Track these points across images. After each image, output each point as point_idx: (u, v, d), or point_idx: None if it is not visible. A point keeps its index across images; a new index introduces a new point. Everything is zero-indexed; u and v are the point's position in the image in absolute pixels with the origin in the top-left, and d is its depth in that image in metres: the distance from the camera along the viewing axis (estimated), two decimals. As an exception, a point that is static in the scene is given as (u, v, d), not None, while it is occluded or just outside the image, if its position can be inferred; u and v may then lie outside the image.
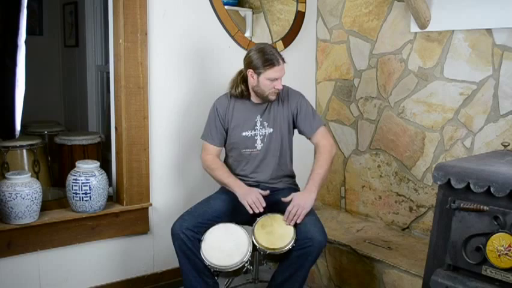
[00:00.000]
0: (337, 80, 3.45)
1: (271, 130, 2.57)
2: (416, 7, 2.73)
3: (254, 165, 2.60)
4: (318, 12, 3.53)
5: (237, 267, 2.33)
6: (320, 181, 2.45)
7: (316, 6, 3.53)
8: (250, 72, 2.48)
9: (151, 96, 2.86)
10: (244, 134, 2.58)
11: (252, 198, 2.42)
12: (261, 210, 2.42)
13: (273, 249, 2.34)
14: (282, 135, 2.60)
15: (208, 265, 2.33)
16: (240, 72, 2.60)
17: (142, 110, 2.81)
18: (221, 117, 2.60)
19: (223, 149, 2.69)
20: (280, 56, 2.48)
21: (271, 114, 2.58)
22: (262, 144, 2.58)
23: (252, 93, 2.57)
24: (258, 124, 2.58)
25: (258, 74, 2.46)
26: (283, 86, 2.61)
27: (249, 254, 2.34)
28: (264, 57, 2.43)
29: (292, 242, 2.32)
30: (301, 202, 2.37)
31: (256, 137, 2.58)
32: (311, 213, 2.46)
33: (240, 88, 2.56)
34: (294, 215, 2.35)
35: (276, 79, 2.45)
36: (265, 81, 2.45)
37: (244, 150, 2.59)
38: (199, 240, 2.38)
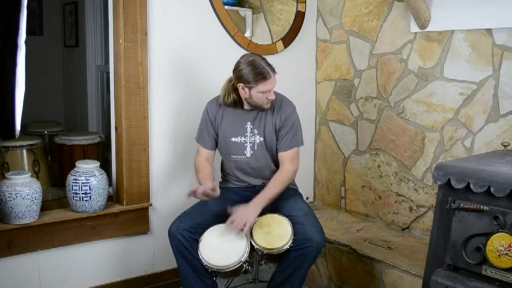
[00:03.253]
0: (337, 80, 3.45)
1: (262, 139, 2.55)
2: (416, 7, 2.73)
3: (245, 172, 2.60)
4: (318, 12, 3.53)
5: (234, 267, 2.33)
6: (269, 200, 2.44)
7: (317, 6, 3.53)
8: (241, 86, 2.43)
9: (151, 96, 2.86)
10: (233, 139, 2.56)
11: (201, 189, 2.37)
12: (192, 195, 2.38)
13: (271, 249, 2.34)
14: (271, 144, 2.57)
15: (206, 265, 2.34)
16: (230, 80, 2.54)
17: (142, 110, 2.81)
18: (212, 121, 2.59)
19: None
20: (271, 67, 2.44)
21: (262, 122, 2.55)
22: (251, 152, 2.55)
23: (245, 102, 2.54)
24: (249, 131, 2.55)
25: (250, 88, 2.42)
26: (279, 94, 2.59)
27: (246, 254, 2.34)
28: (254, 72, 2.39)
29: (290, 242, 2.32)
30: (243, 214, 2.36)
31: (246, 144, 2.56)
32: (309, 213, 2.46)
33: (232, 97, 2.52)
34: (236, 225, 2.34)
35: (269, 91, 2.44)
36: (257, 94, 2.42)
37: (232, 156, 2.58)
38: (197, 241, 2.38)
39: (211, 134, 2.60)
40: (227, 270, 2.33)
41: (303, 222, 2.37)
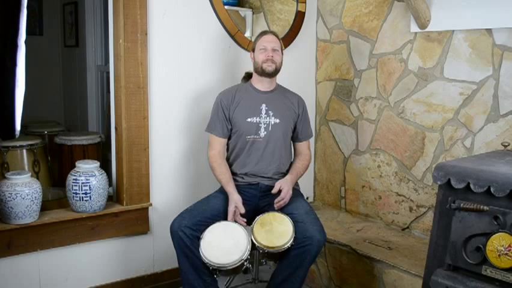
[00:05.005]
0: (337, 80, 3.45)
1: (278, 121, 2.64)
2: (416, 7, 2.73)
3: (257, 155, 2.63)
4: (318, 12, 3.53)
5: (235, 265, 2.33)
6: (297, 178, 2.69)
7: (316, 6, 3.53)
8: (251, 54, 2.69)
9: (151, 96, 2.86)
10: (248, 119, 2.62)
11: (231, 207, 2.51)
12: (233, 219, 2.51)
13: (272, 247, 2.34)
14: (286, 127, 2.67)
15: (207, 263, 2.34)
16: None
17: (142, 110, 2.81)
18: (225, 107, 2.65)
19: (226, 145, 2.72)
20: (274, 32, 2.71)
21: (277, 104, 2.66)
22: (265, 133, 2.62)
23: (254, 78, 2.69)
24: (263, 112, 2.63)
25: (254, 50, 2.66)
26: (282, 86, 2.75)
27: (247, 252, 2.34)
28: (259, 33, 2.70)
29: (291, 240, 2.33)
30: (288, 190, 2.54)
31: (260, 125, 2.62)
32: (310, 212, 2.48)
33: (246, 75, 2.83)
34: (282, 200, 2.52)
35: (265, 49, 2.59)
36: (257, 53, 2.62)
37: (248, 136, 2.63)
38: (198, 238, 2.38)
39: (223, 120, 2.65)
40: (228, 268, 2.34)
41: (304, 220, 2.39)
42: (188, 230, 2.37)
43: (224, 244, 2.36)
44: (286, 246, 2.33)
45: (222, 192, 2.62)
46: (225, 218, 2.49)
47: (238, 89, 2.71)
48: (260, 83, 2.67)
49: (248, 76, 2.79)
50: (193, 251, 2.37)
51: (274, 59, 2.59)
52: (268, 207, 2.53)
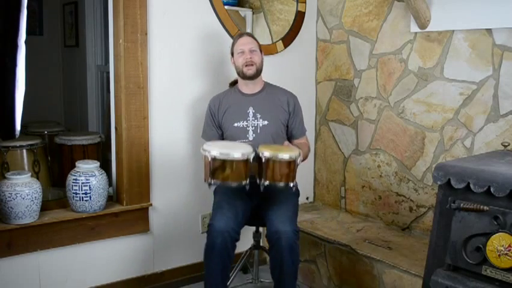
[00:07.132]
0: (337, 80, 3.45)
1: (266, 122, 2.63)
2: (416, 7, 2.73)
3: None
4: (318, 12, 3.53)
5: (239, 159, 2.25)
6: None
7: (316, 6, 3.53)
8: (231, 59, 2.69)
9: (151, 96, 2.86)
10: (235, 124, 2.63)
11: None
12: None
13: (277, 156, 2.28)
14: (277, 127, 2.65)
15: (212, 156, 2.24)
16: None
17: (142, 110, 2.81)
18: (213, 113, 2.69)
19: None
20: (249, 33, 2.78)
21: (265, 106, 2.65)
22: (254, 135, 2.62)
23: (239, 82, 2.70)
24: (251, 115, 2.64)
25: (232, 54, 2.67)
26: (271, 84, 2.76)
27: (252, 154, 2.30)
28: (235, 37, 2.72)
29: (300, 156, 2.35)
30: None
31: (248, 128, 2.63)
32: (285, 208, 2.45)
33: (233, 81, 2.83)
34: None
35: (243, 52, 2.60)
36: (236, 57, 2.63)
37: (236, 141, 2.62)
38: (237, 241, 2.39)
39: (212, 126, 2.69)
40: (232, 159, 2.25)
41: (273, 217, 2.39)
42: (234, 233, 2.36)
43: (228, 145, 2.38)
44: (292, 158, 2.28)
45: (227, 191, 2.55)
46: (251, 219, 2.54)
47: (226, 95, 2.73)
48: (245, 86, 2.69)
49: (236, 81, 2.79)
50: (230, 254, 2.36)
51: (254, 60, 2.60)
52: (264, 202, 2.50)
